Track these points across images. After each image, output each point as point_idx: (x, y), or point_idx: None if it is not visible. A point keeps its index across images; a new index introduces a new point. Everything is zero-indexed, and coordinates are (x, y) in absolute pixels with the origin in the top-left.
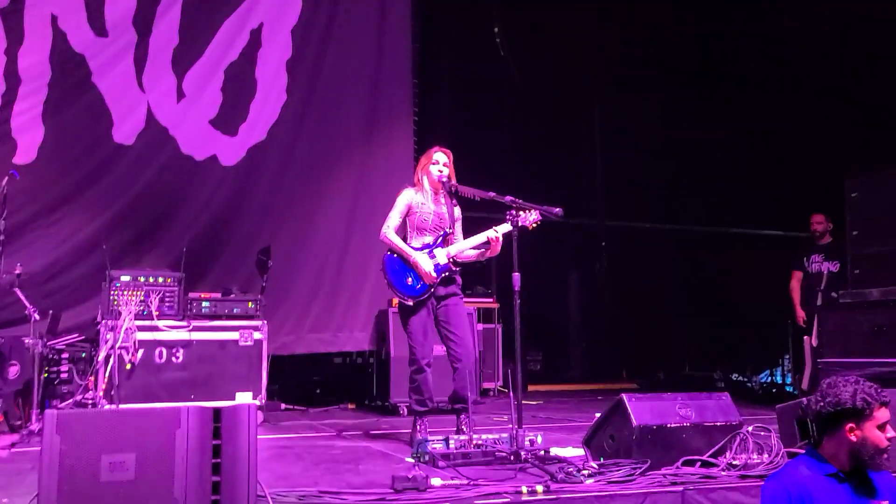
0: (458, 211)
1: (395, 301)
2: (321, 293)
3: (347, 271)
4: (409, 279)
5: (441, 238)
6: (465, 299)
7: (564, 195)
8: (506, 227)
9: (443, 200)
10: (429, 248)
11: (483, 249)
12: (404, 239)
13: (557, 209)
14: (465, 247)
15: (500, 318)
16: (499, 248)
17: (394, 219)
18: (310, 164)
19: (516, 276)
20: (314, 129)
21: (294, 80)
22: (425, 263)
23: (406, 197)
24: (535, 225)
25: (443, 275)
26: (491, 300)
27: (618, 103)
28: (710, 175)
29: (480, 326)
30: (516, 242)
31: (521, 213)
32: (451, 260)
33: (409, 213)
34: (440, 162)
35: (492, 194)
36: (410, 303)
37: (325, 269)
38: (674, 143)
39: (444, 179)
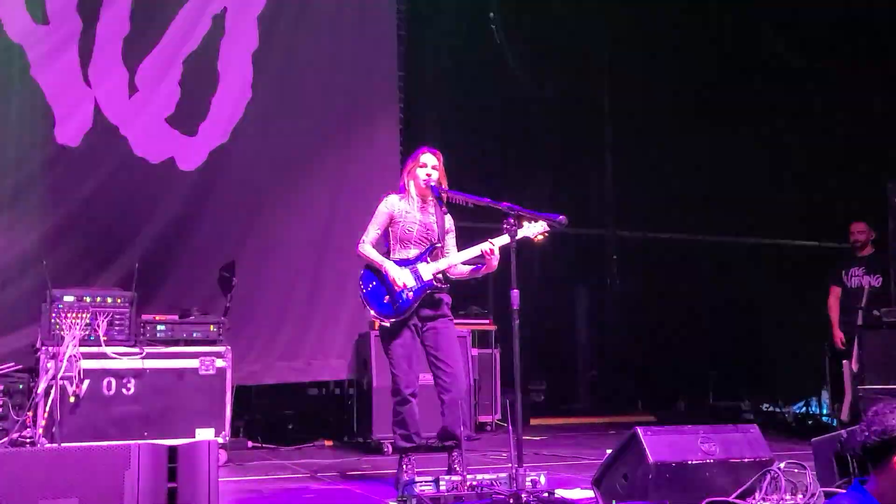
0: (449, 220)
1: (378, 323)
2: (293, 315)
3: (323, 289)
4: (387, 297)
5: (428, 251)
6: (456, 321)
7: (570, 202)
8: (504, 239)
9: (431, 209)
10: (409, 262)
11: (477, 265)
12: (387, 254)
13: (560, 216)
14: (454, 261)
15: (497, 341)
16: (495, 263)
17: (371, 231)
18: (280, 168)
19: (515, 293)
20: (284, 130)
21: (261, 74)
22: (395, 271)
23: (388, 205)
24: (540, 237)
25: (426, 293)
26: (487, 321)
27: (631, 99)
28: (735, 179)
29: (475, 351)
30: (515, 256)
31: (521, 222)
32: (437, 276)
33: (391, 223)
34: (428, 164)
35: (486, 200)
36: (388, 323)
37: (297, 287)
38: (694, 143)
39: (433, 184)
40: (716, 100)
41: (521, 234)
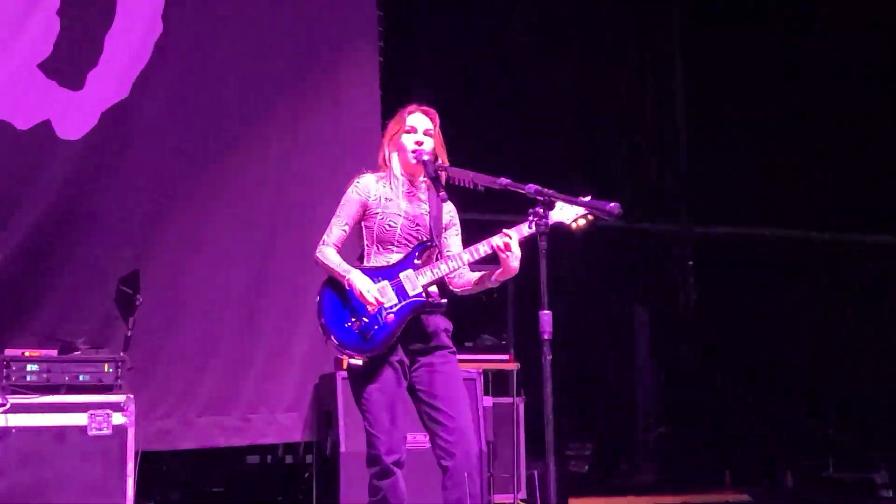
0: (450, 210)
1: (346, 362)
2: (224, 349)
3: (268, 312)
4: (355, 322)
5: (416, 253)
6: (461, 356)
7: (626, 188)
8: (524, 230)
9: (423, 194)
10: (389, 272)
11: (489, 270)
12: (362, 261)
13: (612, 204)
14: (456, 267)
15: (521, 386)
16: (515, 263)
17: (335, 228)
18: (204, 136)
19: (546, 316)
20: (210, 81)
21: (178, 1)
22: (362, 283)
23: (360, 190)
24: (581, 222)
25: (414, 314)
26: (505, 357)
27: (709, 49)
28: (860, 154)
29: (489, 401)
30: (545, 261)
31: (551, 209)
32: (429, 290)
33: (366, 215)
34: (418, 129)
35: (504, 181)
36: (359, 361)
37: (230, 310)
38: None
39: (426, 158)
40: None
41: (553, 217)
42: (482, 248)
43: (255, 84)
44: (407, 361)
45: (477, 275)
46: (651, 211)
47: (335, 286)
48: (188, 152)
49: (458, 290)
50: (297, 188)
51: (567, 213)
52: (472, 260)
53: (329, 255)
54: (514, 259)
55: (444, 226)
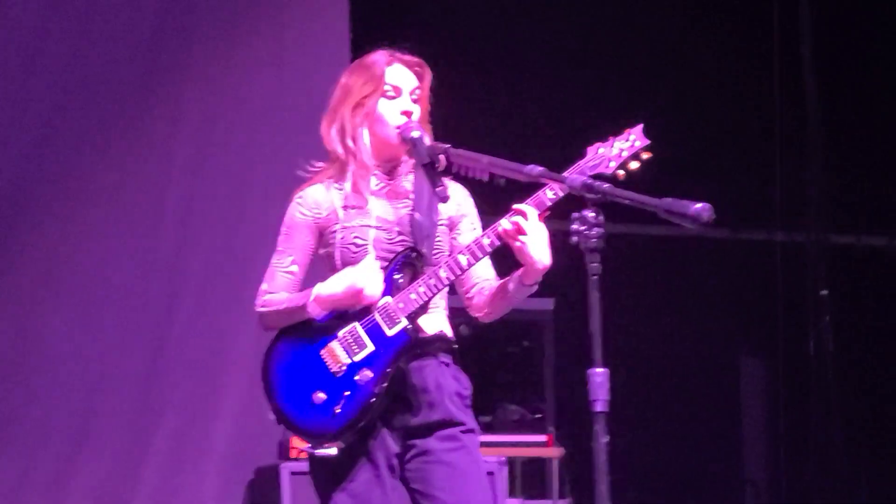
0: (456, 200)
1: (298, 448)
2: (106, 426)
3: (173, 373)
4: (321, 393)
5: (395, 269)
6: (479, 435)
7: (728, 181)
8: (546, 197)
9: (408, 182)
10: (357, 310)
11: (511, 277)
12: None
13: (699, 206)
14: (450, 276)
15: (566, 480)
16: (538, 252)
17: (278, 273)
18: (78, 104)
19: (599, 376)
20: (91, 24)
21: None
22: (344, 281)
23: (305, 209)
24: (636, 163)
25: (399, 364)
26: (543, 437)
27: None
28: None
29: None
30: (599, 292)
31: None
32: (414, 322)
33: (322, 240)
34: (403, 89)
35: (538, 170)
36: (332, 451)
37: (114, 368)
38: None
39: (416, 135)
40: None
41: (593, 163)
42: (485, 241)
43: (159, 24)
44: (396, 449)
45: (496, 284)
46: (765, 216)
47: (291, 339)
48: (50, 129)
49: (483, 314)
50: (217, 186)
51: (615, 149)
52: (471, 262)
53: (274, 297)
54: (534, 246)
55: (447, 223)
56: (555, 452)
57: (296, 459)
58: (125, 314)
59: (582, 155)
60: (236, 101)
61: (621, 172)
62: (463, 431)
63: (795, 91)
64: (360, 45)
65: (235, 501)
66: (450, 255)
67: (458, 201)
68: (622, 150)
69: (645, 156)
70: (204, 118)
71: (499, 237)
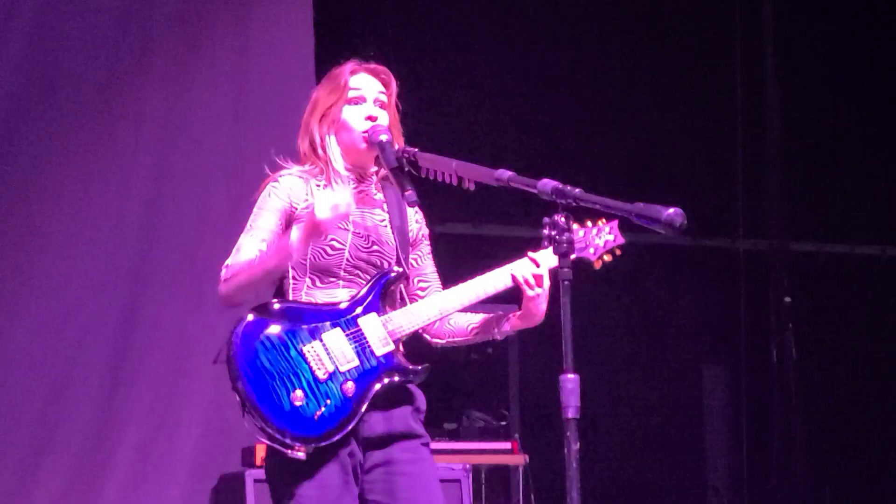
0: (415, 218)
1: (261, 454)
2: (64, 436)
3: (135, 377)
4: (300, 392)
5: (381, 288)
6: (439, 443)
7: (690, 189)
8: (549, 258)
9: (377, 194)
10: (336, 314)
11: (497, 315)
12: (284, 296)
13: (671, 211)
14: (448, 308)
15: (530, 487)
16: (543, 304)
17: (247, 244)
18: (46, 107)
19: (570, 382)
20: (51, 26)
21: None
22: (324, 204)
23: (279, 193)
24: (608, 256)
25: (381, 386)
26: (507, 444)
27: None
28: None
29: None
30: (569, 298)
31: (578, 223)
32: (400, 346)
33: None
34: (367, 97)
35: (507, 175)
36: (301, 454)
37: (74, 371)
38: None
39: (384, 139)
40: None
41: (579, 246)
42: (497, 282)
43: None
44: (360, 456)
45: (477, 319)
46: (726, 224)
47: (267, 328)
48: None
49: (443, 341)
50: (180, 192)
51: (600, 240)
52: (479, 298)
53: (238, 266)
54: (543, 300)
55: (411, 240)
56: (519, 459)
57: (260, 467)
58: (87, 321)
59: None
60: (199, 105)
61: (599, 262)
62: (422, 444)
63: (757, 101)
64: (324, 52)
65: None
66: (455, 288)
67: (419, 222)
68: (606, 241)
69: (618, 252)
70: (167, 122)
71: (515, 282)
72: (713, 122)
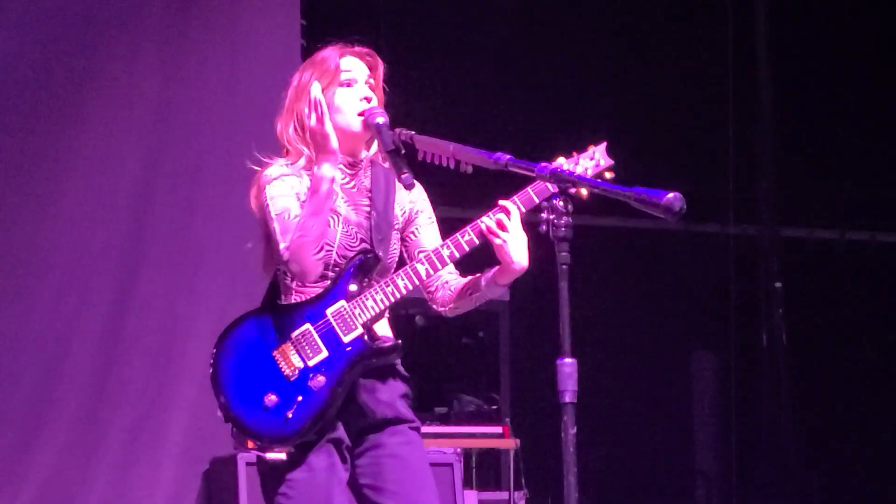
0: (415, 196)
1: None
2: (57, 419)
3: (127, 360)
4: (273, 395)
5: (351, 273)
6: (430, 427)
7: (680, 174)
8: (531, 197)
9: (366, 179)
10: (311, 311)
11: (478, 275)
12: (271, 301)
13: (670, 195)
14: (411, 282)
15: (521, 472)
16: (518, 253)
17: (289, 221)
18: (36, 89)
19: (568, 366)
20: (41, 7)
21: None
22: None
23: (286, 185)
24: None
25: (354, 371)
26: (498, 428)
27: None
28: None
29: (473, 497)
30: (567, 283)
31: (567, 157)
32: (370, 329)
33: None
34: (358, 79)
35: (505, 158)
36: (283, 455)
37: (65, 355)
38: None
39: (380, 121)
40: None
41: (570, 169)
42: (462, 240)
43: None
44: (347, 442)
45: (462, 282)
46: (719, 210)
47: (241, 339)
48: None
49: (448, 309)
50: (172, 176)
51: (582, 165)
52: (442, 265)
53: (290, 228)
54: (514, 246)
55: (404, 219)
56: (510, 444)
57: (252, 449)
58: (78, 303)
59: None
60: (192, 85)
61: (585, 192)
62: (410, 427)
63: (748, 84)
64: (313, 36)
65: (192, 492)
66: (409, 264)
67: (412, 198)
68: (587, 168)
69: (608, 175)
70: (159, 103)
71: (479, 234)
72: (704, 106)
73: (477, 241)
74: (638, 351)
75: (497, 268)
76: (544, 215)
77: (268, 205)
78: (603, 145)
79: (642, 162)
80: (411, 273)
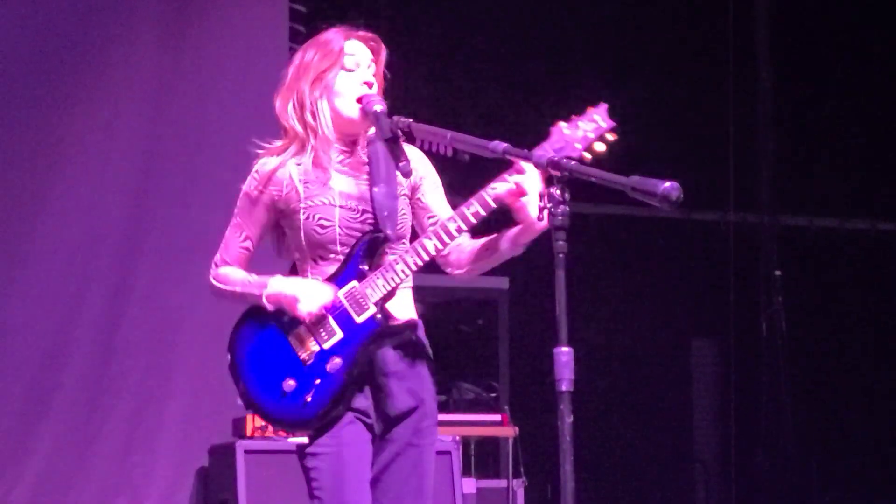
0: (422, 169)
1: (252, 425)
2: (58, 407)
3: (126, 350)
4: (291, 380)
5: (361, 253)
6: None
7: (680, 162)
8: (541, 158)
9: (362, 159)
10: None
11: (496, 235)
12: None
13: (667, 184)
14: (424, 257)
15: (520, 461)
16: (535, 210)
17: (232, 244)
18: (32, 76)
19: (564, 355)
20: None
21: None
22: (298, 287)
23: (259, 184)
24: (601, 145)
25: (367, 350)
26: (497, 416)
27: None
28: None
29: (472, 484)
30: (564, 271)
31: (567, 122)
32: (383, 308)
33: (280, 215)
34: (361, 63)
35: (502, 146)
36: (305, 439)
37: (66, 347)
38: None
39: (379, 109)
40: None
41: (558, 146)
42: (468, 213)
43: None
44: (373, 420)
45: (478, 243)
46: (719, 197)
47: (257, 326)
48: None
49: (464, 271)
50: (169, 163)
51: (583, 129)
52: (450, 238)
53: (230, 273)
54: (534, 205)
55: (407, 192)
56: (509, 432)
57: (250, 437)
58: (77, 293)
59: (545, 136)
60: (189, 75)
61: (587, 155)
62: (433, 428)
63: (748, 73)
64: (310, 21)
65: (190, 479)
66: (418, 240)
67: (414, 165)
68: (587, 131)
69: (610, 137)
70: (157, 92)
71: (495, 200)
72: (704, 95)
73: (484, 213)
74: (637, 339)
75: (519, 228)
76: (541, 203)
77: (239, 199)
78: (603, 107)
79: (642, 150)
80: (420, 249)
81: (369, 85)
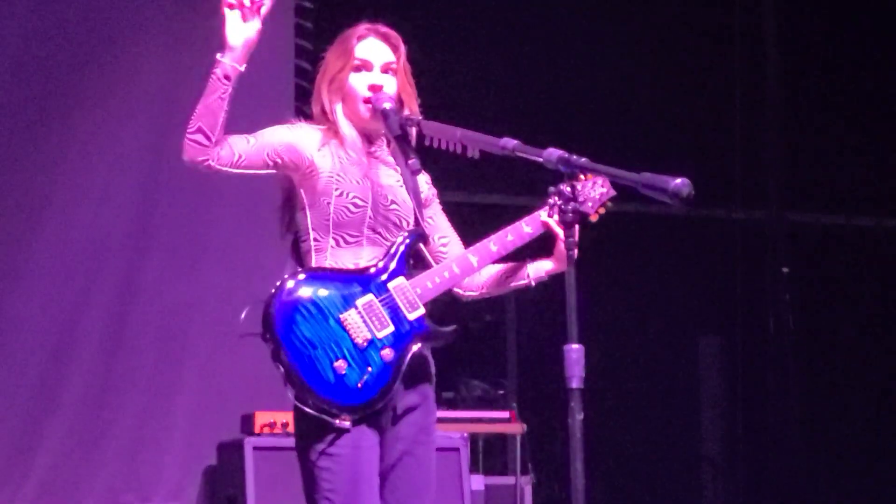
0: (424, 184)
1: (260, 422)
2: (67, 406)
3: (134, 345)
4: (342, 361)
5: (401, 249)
6: (440, 412)
7: (687, 158)
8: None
9: (387, 156)
10: (365, 279)
11: (518, 263)
12: (304, 257)
13: (678, 181)
14: (471, 265)
15: (528, 459)
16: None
17: (239, 144)
18: (42, 77)
19: (575, 352)
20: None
21: None
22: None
23: (295, 133)
24: (603, 209)
25: (413, 348)
26: (505, 414)
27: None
28: None
29: (480, 481)
30: (575, 268)
31: (578, 186)
32: (421, 309)
33: (307, 186)
34: (375, 64)
35: (512, 144)
36: (347, 423)
37: (73, 345)
38: None
39: (386, 107)
40: None
41: (579, 201)
42: (523, 230)
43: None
44: (384, 421)
45: (494, 269)
46: (726, 194)
47: (301, 301)
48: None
49: (476, 294)
50: (180, 158)
51: (591, 193)
52: (504, 251)
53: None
54: (573, 243)
55: (424, 198)
56: (517, 429)
57: (259, 434)
58: (86, 287)
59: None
60: (196, 70)
61: (595, 216)
62: (432, 428)
63: (755, 69)
64: (321, 19)
65: (198, 476)
66: (462, 254)
67: (427, 190)
68: (601, 193)
69: (609, 204)
70: (165, 89)
71: (542, 227)
72: (711, 91)
73: (518, 245)
74: (645, 336)
75: (551, 258)
76: (552, 200)
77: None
78: (608, 179)
79: (650, 147)
80: (464, 262)
81: (376, 88)
